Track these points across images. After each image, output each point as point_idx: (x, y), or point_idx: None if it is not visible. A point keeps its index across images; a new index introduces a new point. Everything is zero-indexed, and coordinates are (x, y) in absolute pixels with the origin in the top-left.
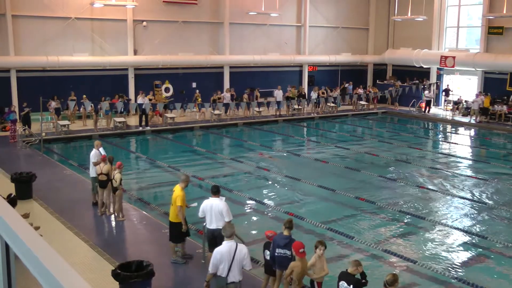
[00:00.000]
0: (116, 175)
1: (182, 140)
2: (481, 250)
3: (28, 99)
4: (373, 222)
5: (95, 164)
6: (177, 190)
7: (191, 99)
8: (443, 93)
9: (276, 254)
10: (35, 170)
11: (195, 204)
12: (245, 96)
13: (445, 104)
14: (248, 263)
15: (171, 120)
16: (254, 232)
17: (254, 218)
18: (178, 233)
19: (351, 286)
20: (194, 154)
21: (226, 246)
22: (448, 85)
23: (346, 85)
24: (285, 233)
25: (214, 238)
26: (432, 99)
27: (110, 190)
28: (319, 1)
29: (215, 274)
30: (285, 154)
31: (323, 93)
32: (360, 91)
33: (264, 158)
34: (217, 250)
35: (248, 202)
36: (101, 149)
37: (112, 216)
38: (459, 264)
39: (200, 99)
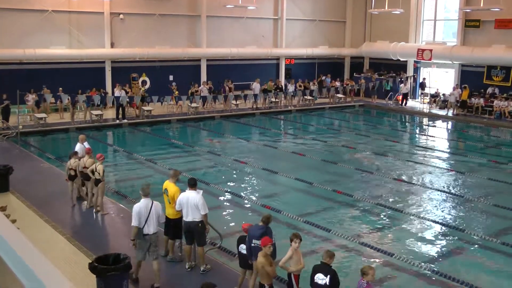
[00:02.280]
0: (99, 166)
1: (159, 133)
2: (458, 242)
3: (4, 92)
4: (350, 215)
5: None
6: (171, 186)
7: (168, 92)
8: (419, 86)
9: (252, 245)
10: (12, 163)
11: None
12: (227, 89)
13: (422, 97)
14: (162, 218)
15: (148, 113)
16: (231, 224)
17: (231, 211)
18: (177, 229)
19: (328, 276)
20: (171, 147)
21: (143, 202)
22: (424, 79)
23: (324, 77)
24: (260, 223)
25: (191, 231)
26: (408, 92)
27: (93, 183)
28: None
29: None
30: (262, 147)
31: (300, 85)
32: (337, 84)
33: (214, 144)
34: (136, 205)
35: (225, 194)
36: (85, 143)
37: (92, 209)
38: (436, 257)
39: (177, 92)
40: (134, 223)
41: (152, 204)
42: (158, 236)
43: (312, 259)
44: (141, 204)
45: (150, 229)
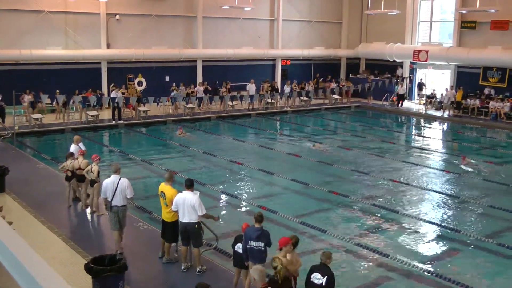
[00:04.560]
0: (94, 167)
1: (155, 134)
2: (454, 243)
3: (0, 92)
4: (346, 215)
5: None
6: (168, 189)
7: (164, 93)
8: (417, 87)
9: (248, 246)
10: (7, 164)
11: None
12: (223, 89)
13: (419, 98)
14: (130, 193)
15: (144, 114)
16: (226, 225)
17: (227, 212)
18: (174, 232)
19: (325, 277)
20: (167, 147)
21: (112, 178)
22: (421, 79)
23: (321, 79)
24: (256, 225)
25: (187, 232)
26: (405, 93)
27: (87, 184)
28: None
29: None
30: (258, 148)
31: (295, 86)
32: (333, 85)
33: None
34: (105, 180)
35: (221, 195)
36: (80, 144)
37: (87, 209)
38: (431, 258)
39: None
40: (101, 195)
41: (119, 180)
42: (126, 209)
43: (307, 259)
44: (109, 180)
45: (117, 201)
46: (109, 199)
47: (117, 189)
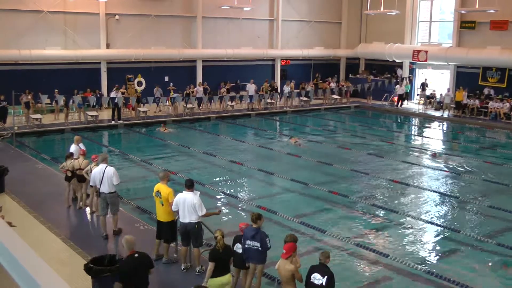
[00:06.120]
0: (94, 167)
1: (154, 134)
2: (453, 243)
3: (1, 93)
4: (346, 216)
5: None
6: (163, 188)
7: (165, 93)
8: (420, 87)
9: (246, 246)
10: (7, 164)
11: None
12: (223, 90)
13: (419, 98)
14: (116, 180)
15: (143, 114)
16: (226, 225)
17: (226, 212)
18: (171, 232)
19: (325, 277)
20: (166, 148)
21: (99, 167)
22: (426, 79)
23: (320, 81)
24: (253, 225)
25: (187, 232)
26: (404, 93)
27: (87, 184)
28: None
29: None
30: (257, 148)
31: (292, 87)
32: (333, 85)
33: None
34: (93, 170)
35: (220, 195)
36: (81, 145)
37: (87, 209)
38: (431, 258)
39: (173, 93)
40: (91, 183)
41: (105, 168)
42: (115, 196)
43: (306, 260)
44: (97, 169)
45: (104, 188)
46: (98, 186)
47: (103, 177)
